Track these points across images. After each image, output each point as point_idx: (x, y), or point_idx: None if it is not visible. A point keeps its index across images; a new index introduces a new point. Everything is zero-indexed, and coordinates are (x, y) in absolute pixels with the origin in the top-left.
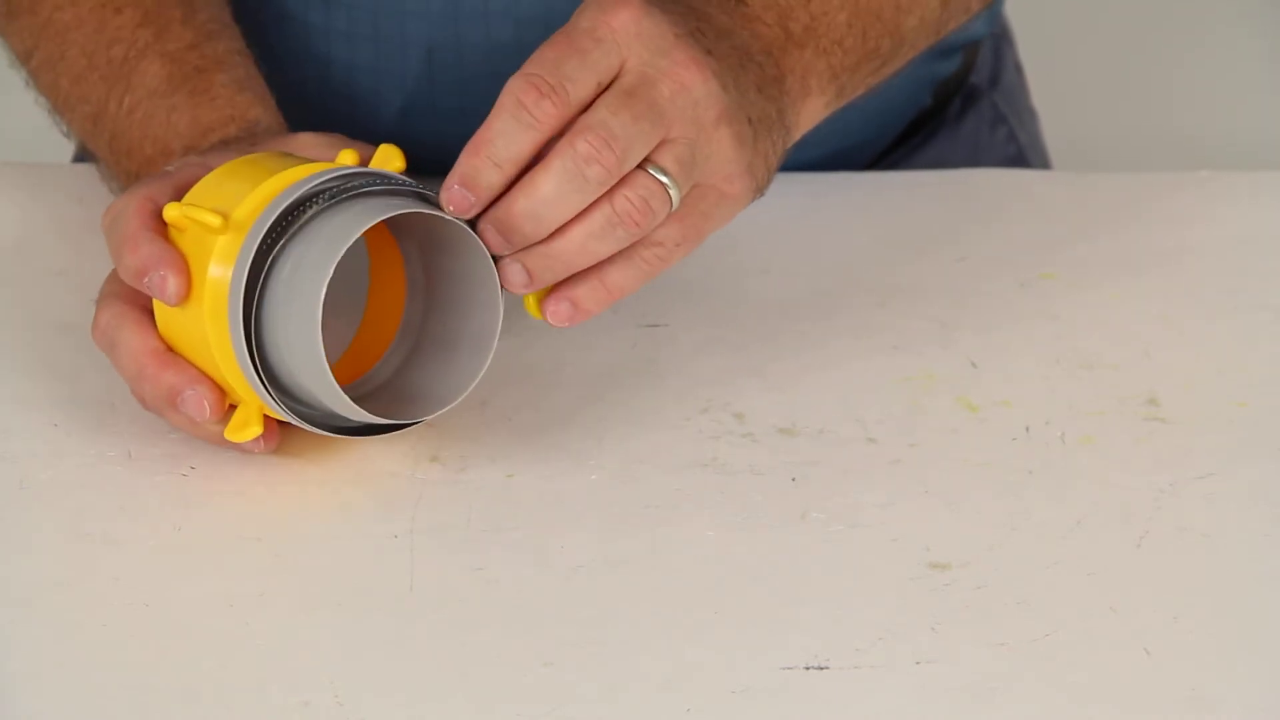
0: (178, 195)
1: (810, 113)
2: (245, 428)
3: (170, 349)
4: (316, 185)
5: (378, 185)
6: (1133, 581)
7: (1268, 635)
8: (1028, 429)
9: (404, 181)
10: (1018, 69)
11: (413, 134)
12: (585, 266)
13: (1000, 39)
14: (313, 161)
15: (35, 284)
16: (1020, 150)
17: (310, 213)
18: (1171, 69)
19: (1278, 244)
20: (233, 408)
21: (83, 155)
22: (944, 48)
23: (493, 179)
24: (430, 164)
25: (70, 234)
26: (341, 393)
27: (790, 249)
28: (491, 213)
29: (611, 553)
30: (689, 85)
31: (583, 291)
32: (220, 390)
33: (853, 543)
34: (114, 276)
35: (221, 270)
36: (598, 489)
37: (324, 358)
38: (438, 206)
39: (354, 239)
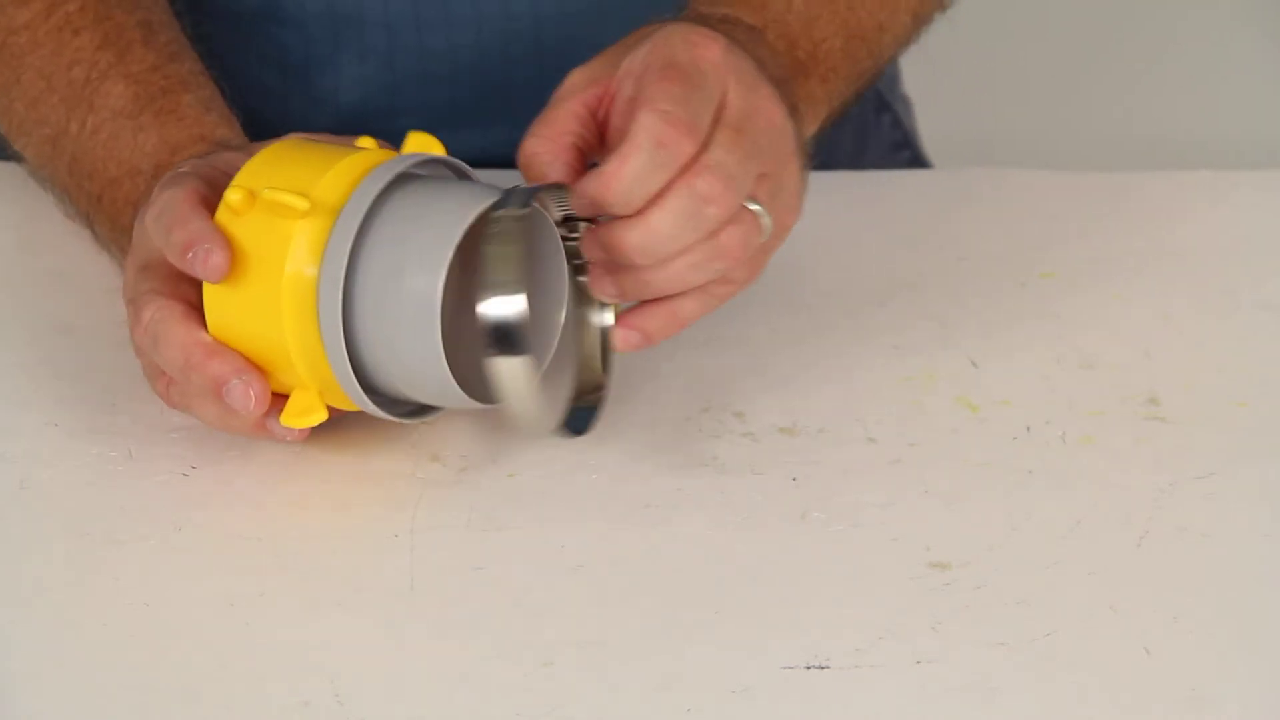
0: (212, 188)
1: (809, 132)
2: (309, 413)
3: (216, 340)
4: (403, 169)
5: (450, 172)
6: (1133, 581)
7: (1268, 635)
8: (1028, 429)
9: (468, 170)
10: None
11: (370, 107)
12: (673, 293)
13: None
14: (355, 147)
15: (35, 284)
16: (906, 136)
17: (402, 197)
18: (1171, 69)
19: (1278, 244)
20: (277, 397)
21: None
22: None
23: (619, 213)
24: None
25: (70, 234)
26: (454, 383)
27: (790, 249)
28: (603, 236)
29: (611, 553)
30: (775, 121)
31: (657, 324)
32: (265, 380)
33: (853, 542)
34: (149, 274)
35: (305, 254)
36: (598, 489)
37: (440, 345)
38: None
39: (468, 224)
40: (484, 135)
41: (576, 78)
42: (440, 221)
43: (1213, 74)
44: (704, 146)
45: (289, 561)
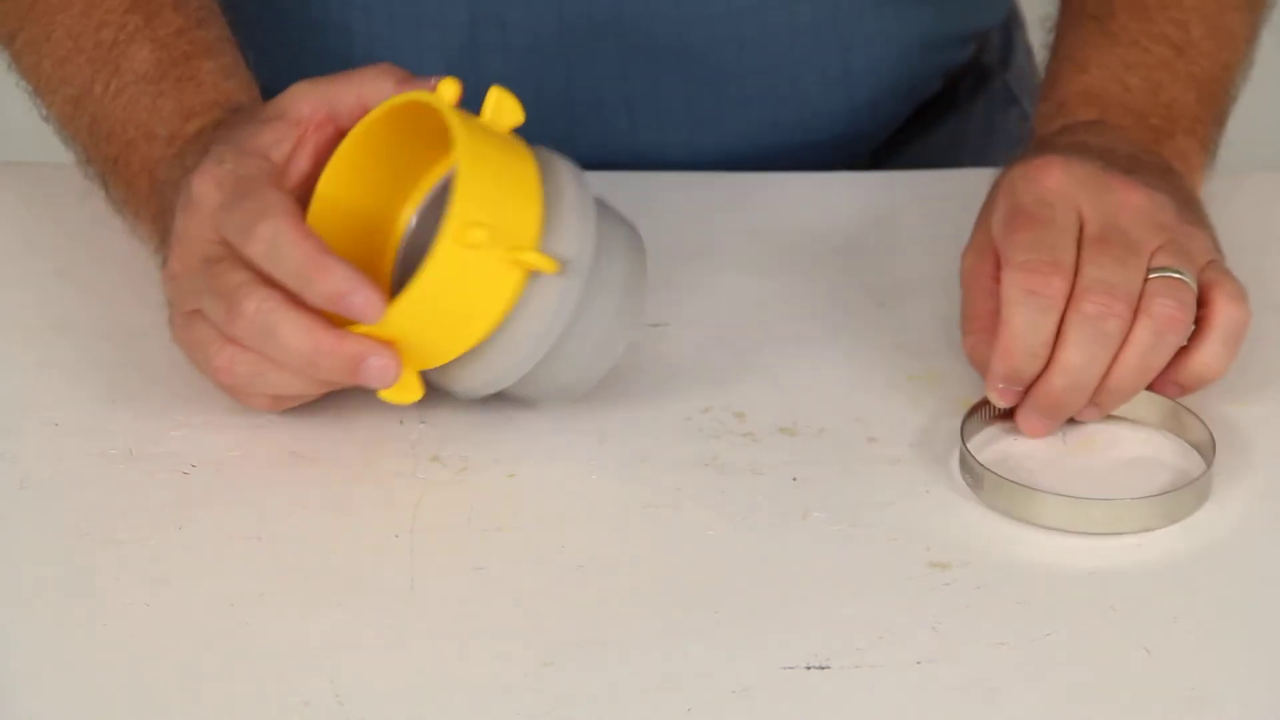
0: (272, 177)
1: (1200, 180)
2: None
3: (333, 322)
4: (585, 195)
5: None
6: (1133, 581)
7: (1268, 635)
8: None
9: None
10: (1028, 51)
11: None
12: (1146, 383)
13: (1010, 21)
14: (515, 140)
15: (35, 284)
16: (1012, 93)
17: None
18: None
19: (1278, 244)
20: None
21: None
22: (958, 37)
23: (1034, 368)
24: None
25: (70, 234)
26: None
27: (791, 249)
28: (1032, 401)
29: (611, 553)
30: (1138, 204)
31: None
32: (382, 298)
33: (853, 542)
34: (228, 267)
35: (541, 307)
36: (598, 489)
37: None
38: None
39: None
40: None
41: (967, 260)
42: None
43: None
44: (1078, 271)
45: (289, 561)
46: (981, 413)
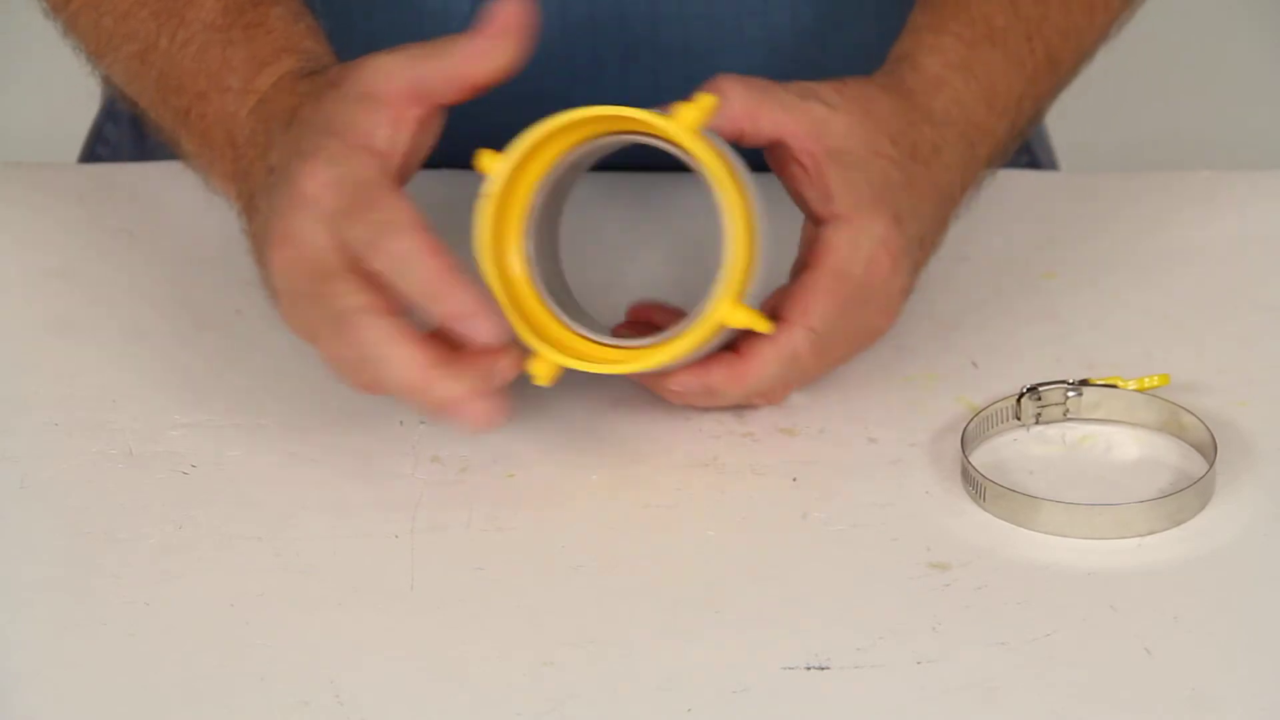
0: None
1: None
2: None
3: (464, 272)
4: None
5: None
6: (1133, 581)
7: (1268, 635)
8: (1029, 429)
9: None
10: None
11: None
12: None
13: None
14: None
15: (35, 284)
16: (1026, 143)
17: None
18: (1171, 69)
19: (1278, 244)
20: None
21: (92, 154)
22: None
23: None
24: (454, 153)
25: (70, 234)
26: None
27: (791, 249)
28: (706, 379)
29: (611, 553)
30: (892, 286)
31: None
32: (502, 324)
33: (853, 543)
34: (342, 287)
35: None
36: (598, 489)
37: None
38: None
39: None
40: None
41: (815, 111)
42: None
43: (1213, 74)
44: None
45: (289, 561)
46: (982, 423)
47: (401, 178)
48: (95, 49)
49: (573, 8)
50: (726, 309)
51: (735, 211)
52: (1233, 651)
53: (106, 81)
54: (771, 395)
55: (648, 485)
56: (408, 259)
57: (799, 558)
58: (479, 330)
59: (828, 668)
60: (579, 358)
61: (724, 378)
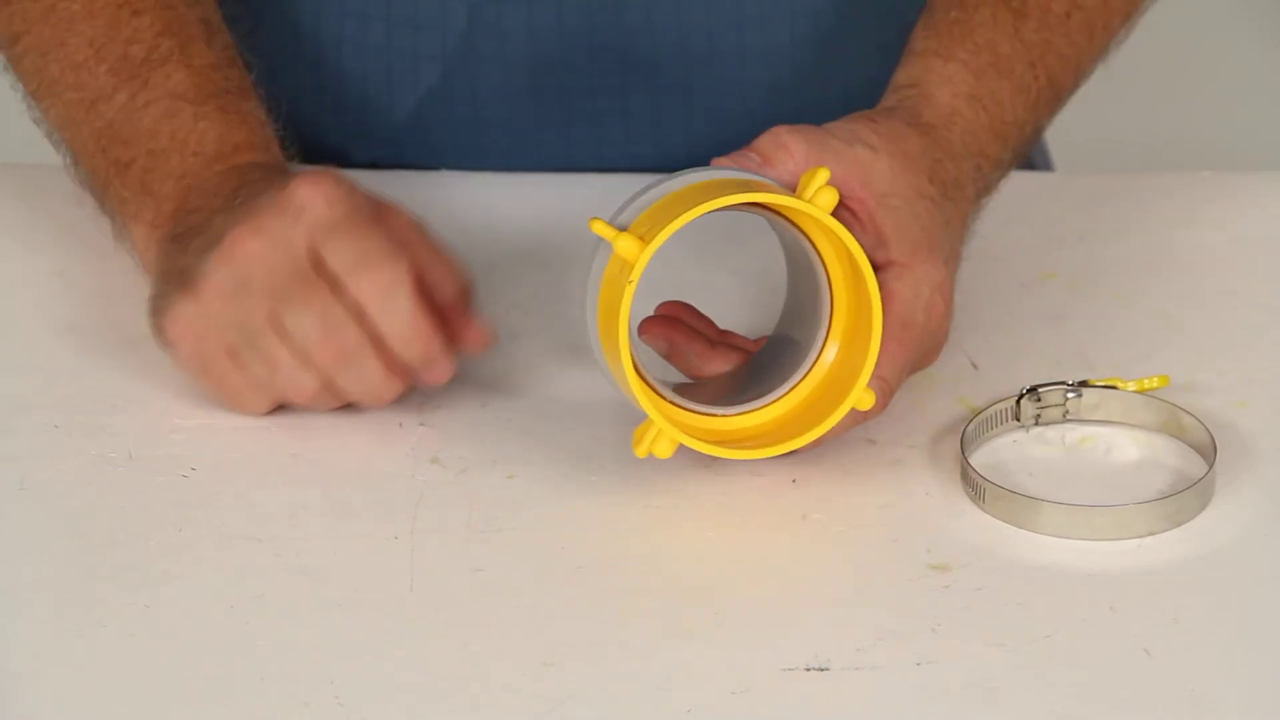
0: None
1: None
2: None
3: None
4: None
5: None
6: (1133, 581)
7: (1268, 635)
8: (1028, 430)
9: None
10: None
11: (430, 122)
12: None
13: None
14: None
15: (35, 284)
16: None
17: None
18: (1171, 69)
19: (1278, 244)
20: None
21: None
22: None
23: None
24: (452, 155)
25: (72, 236)
26: None
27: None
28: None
29: (611, 553)
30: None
31: None
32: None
33: (853, 543)
34: (327, 296)
35: None
36: (598, 489)
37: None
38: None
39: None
40: (564, 126)
41: (860, 156)
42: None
43: (1213, 74)
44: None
45: (289, 562)
46: (981, 425)
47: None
48: (35, 90)
49: (568, 15)
50: (861, 396)
51: (876, 299)
52: (1232, 652)
53: (38, 122)
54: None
55: (648, 485)
56: (395, 295)
57: (799, 558)
58: (431, 375)
59: (827, 668)
60: (701, 435)
61: None
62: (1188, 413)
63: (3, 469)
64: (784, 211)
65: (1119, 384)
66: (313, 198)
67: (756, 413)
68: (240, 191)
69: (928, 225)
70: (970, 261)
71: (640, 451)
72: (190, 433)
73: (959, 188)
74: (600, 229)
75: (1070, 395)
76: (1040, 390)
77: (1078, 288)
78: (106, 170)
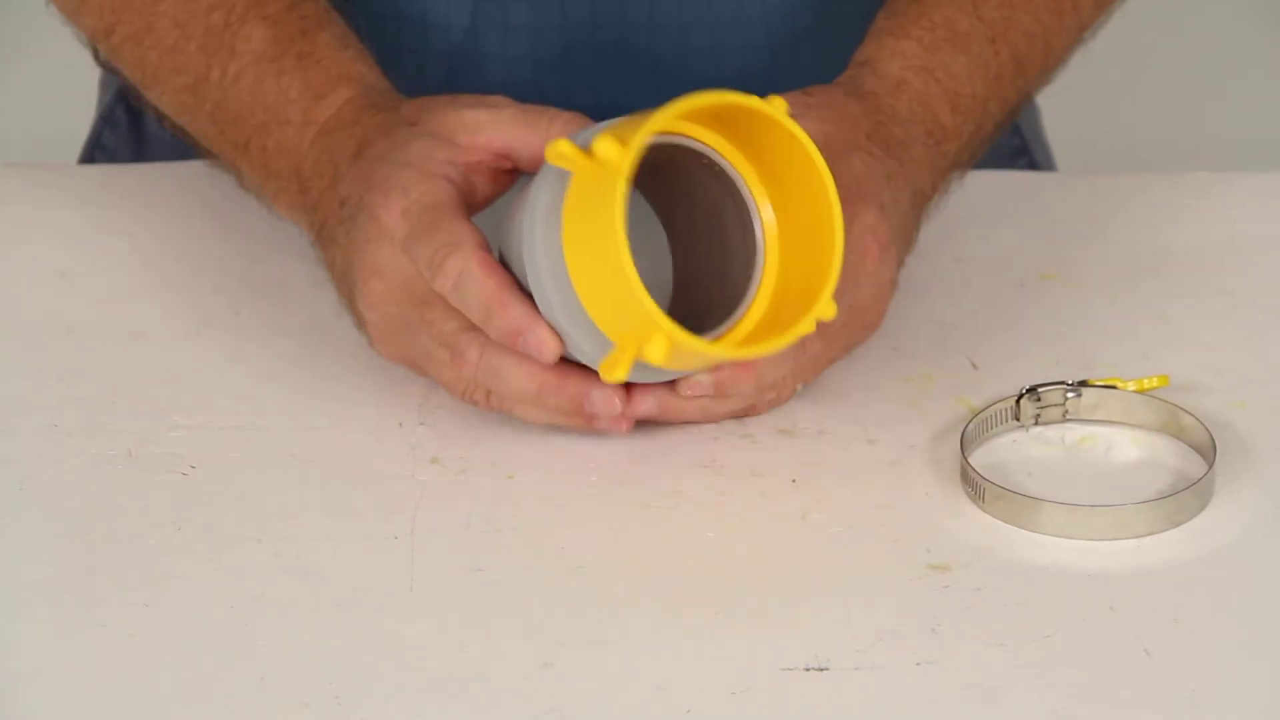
0: (464, 189)
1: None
2: (616, 369)
3: (517, 290)
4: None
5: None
6: (1133, 581)
7: (1268, 635)
8: (1028, 430)
9: None
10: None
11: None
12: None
13: None
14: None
15: (35, 284)
16: (1024, 142)
17: None
18: (1171, 69)
19: (1277, 244)
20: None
21: (91, 156)
22: None
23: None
24: None
25: (70, 234)
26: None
27: None
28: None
29: (611, 553)
30: (885, 293)
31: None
32: (557, 338)
33: (853, 543)
34: (439, 315)
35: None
36: (598, 489)
37: None
38: None
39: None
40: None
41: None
42: None
43: (1213, 74)
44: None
45: (289, 562)
46: (981, 425)
47: (476, 212)
48: (141, 80)
49: (573, 12)
50: (827, 306)
51: (835, 196)
52: (1232, 652)
53: (155, 113)
54: (780, 393)
55: (648, 485)
56: (464, 278)
57: (799, 558)
58: (530, 345)
59: (827, 668)
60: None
61: (734, 373)
62: (1187, 412)
63: (3, 469)
64: (732, 122)
65: (1118, 384)
66: (391, 220)
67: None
68: (340, 171)
69: (860, 174)
70: (969, 262)
71: (620, 373)
72: (189, 431)
73: (904, 147)
74: (565, 148)
75: (1070, 395)
76: (1040, 390)
77: (1078, 288)
78: (233, 154)
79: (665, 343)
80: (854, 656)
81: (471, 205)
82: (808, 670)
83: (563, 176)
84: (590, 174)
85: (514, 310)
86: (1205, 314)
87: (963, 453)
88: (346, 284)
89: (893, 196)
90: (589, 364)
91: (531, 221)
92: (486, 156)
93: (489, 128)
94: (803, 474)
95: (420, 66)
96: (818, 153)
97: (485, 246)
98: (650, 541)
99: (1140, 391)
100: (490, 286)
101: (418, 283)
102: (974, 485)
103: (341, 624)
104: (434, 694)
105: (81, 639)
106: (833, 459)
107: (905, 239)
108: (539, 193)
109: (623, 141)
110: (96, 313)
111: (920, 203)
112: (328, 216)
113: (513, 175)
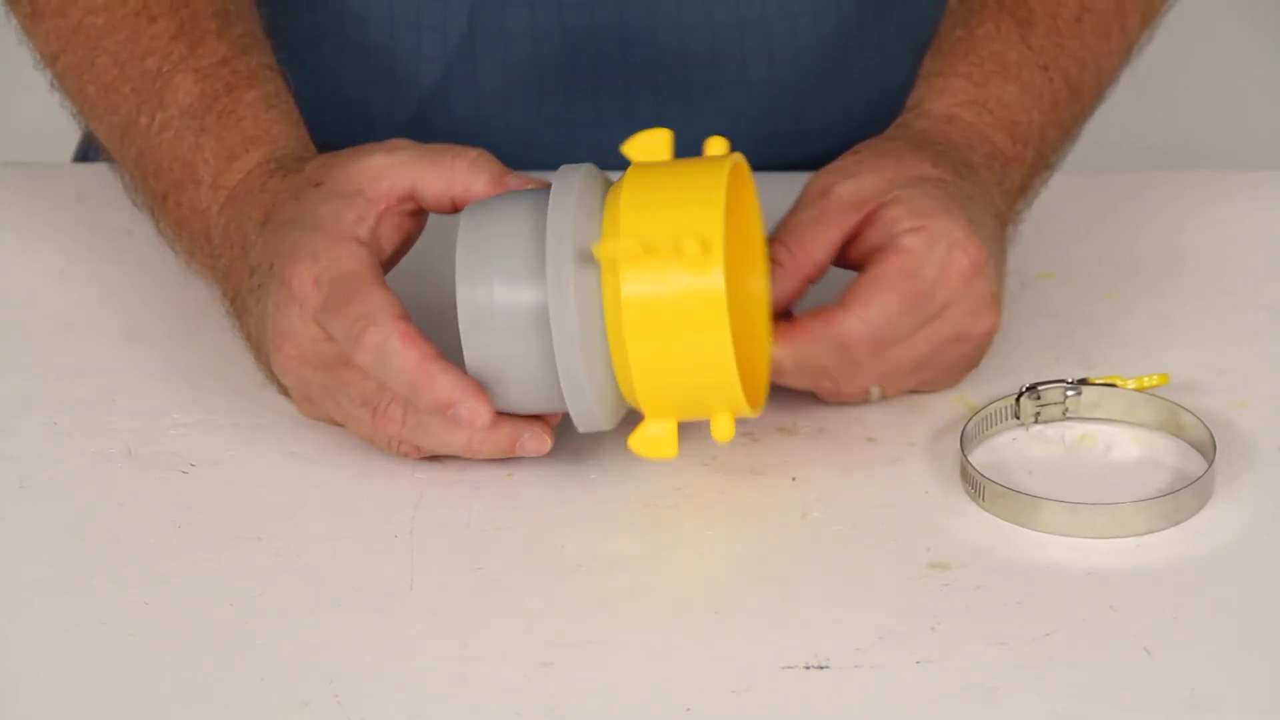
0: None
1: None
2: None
3: (440, 359)
4: None
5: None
6: (1132, 581)
7: (1267, 635)
8: (1028, 429)
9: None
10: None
11: (432, 123)
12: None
13: None
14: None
15: (35, 284)
16: None
17: None
18: (1171, 69)
19: (1277, 244)
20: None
21: (85, 154)
22: None
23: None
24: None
25: (70, 234)
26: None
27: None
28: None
29: (611, 553)
30: (980, 301)
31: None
32: (488, 403)
33: (853, 542)
34: (356, 376)
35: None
36: (598, 489)
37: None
38: None
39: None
40: (568, 119)
41: (846, 193)
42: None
43: (1213, 74)
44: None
45: (289, 561)
46: (981, 423)
47: (385, 270)
48: (80, 110)
49: (571, 15)
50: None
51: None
52: (1232, 651)
53: (92, 141)
54: (836, 387)
55: (648, 485)
56: (384, 352)
57: (799, 558)
58: (462, 416)
59: (827, 668)
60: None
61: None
62: (1187, 411)
63: (3, 469)
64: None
65: (1118, 382)
66: (303, 287)
67: None
68: (249, 240)
69: (941, 197)
70: None
71: (731, 433)
72: (189, 430)
73: (971, 169)
74: (619, 250)
75: (1070, 393)
76: (1040, 388)
77: (1078, 288)
78: (152, 203)
79: (729, 420)
80: (854, 655)
81: (384, 262)
82: (808, 669)
83: (563, 237)
84: (662, 264)
85: (440, 382)
86: (1205, 313)
87: (963, 451)
88: (262, 352)
89: (979, 214)
90: (527, 409)
91: (506, 279)
92: (393, 202)
93: (391, 172)
94: (802, 473)
95: (415, 71)
96: (722, 169)
97: (403, 315)
98: (650, 541)
99: (1140, 390)
100: (413, 360)
101: (327, 349)
102: (974, 484)
103: (341, 624)
104: (434, 694)
105: (81, 638)
106: (832, 458)
107: (998, 258)
108: (512, 249)
109: (706, 248)
110: (96, 311)
111: (1002, 224)
112: (239, 286)
113: (420, 217)
